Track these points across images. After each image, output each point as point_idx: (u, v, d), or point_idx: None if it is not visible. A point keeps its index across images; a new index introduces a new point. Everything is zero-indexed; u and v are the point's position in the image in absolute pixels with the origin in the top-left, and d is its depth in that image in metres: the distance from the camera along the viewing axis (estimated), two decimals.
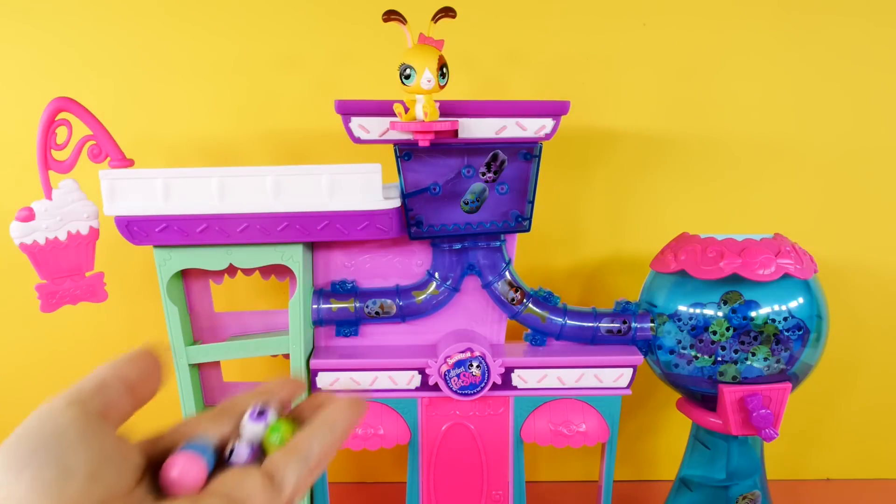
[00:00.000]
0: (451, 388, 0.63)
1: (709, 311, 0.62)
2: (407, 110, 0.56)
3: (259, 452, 0.29)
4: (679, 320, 0.63)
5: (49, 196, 0.60)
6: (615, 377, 0.65)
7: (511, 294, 0.66)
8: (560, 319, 0.66)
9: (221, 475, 0.26)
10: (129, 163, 0.61)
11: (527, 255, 0.72)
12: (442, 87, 0.56)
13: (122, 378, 0.26)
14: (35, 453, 0.22)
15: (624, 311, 0.66)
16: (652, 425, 0.90)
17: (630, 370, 0.65)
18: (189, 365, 0.64)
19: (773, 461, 0.75)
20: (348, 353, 0.65)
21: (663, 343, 0.65)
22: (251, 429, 0.29)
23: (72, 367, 0.82)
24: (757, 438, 0.67)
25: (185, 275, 0.65)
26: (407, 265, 0.67)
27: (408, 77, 0.55)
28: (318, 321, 0.65)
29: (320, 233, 0.60)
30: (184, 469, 0.26)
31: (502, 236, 0.65)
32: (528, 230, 0.64)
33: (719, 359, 0.62)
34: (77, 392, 0.25)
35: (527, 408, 0.67)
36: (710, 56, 0.77)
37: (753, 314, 0.61)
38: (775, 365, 0.62)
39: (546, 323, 0.66)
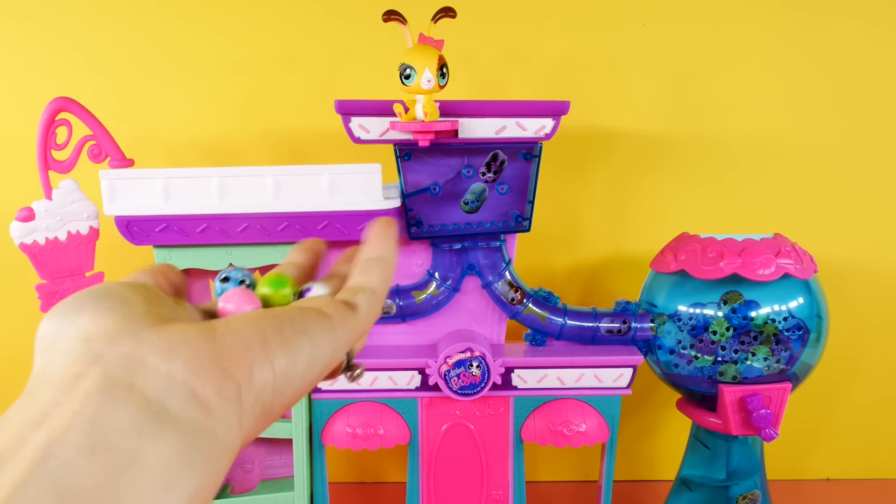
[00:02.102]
0: (451, 388, 0.63)
1: (709, 311, 0.62)
2: (407, 110, 0.57)
3: None
4: (679, 320, 0.63)
5: (49, 196, 0.60)
6: (615, 377, 0.65)
7: (511, 294, 0.66)
8: (560, 319, 0.66)
9: (293, 303, 0.26)
10: (129, 163, 0.61)
11: (527, 255, 0.72)
12: (442, 87, 0.56)
13: (150, 272, 0.26)
14: (87, 297, 0.21)
15: (624, 311, 0.66)
16: (652, 425, 0.90)
17: (630, 370, 0.65)
18: None
19: (773, 461, 0.75)
20: None
21: (663, 343, 0.65)
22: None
23: None
24: (757, 438, 0.67)
25: (185, 275, 0.65)
26: (407, 265, 0.67)
27: (408, 77, 0.55)
28: None
29: (320, 233, 0.60)
30: (239, 302, 0.25)
31: (502, 236, 0.65)
32: (528, 230, 0.64)
33: (719, 359, 0.62)
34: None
35: (527, 408, 0.67)
36: (710, 56, 0.77)
37: (753, 314, 0.61)
38: (775, 365, 0.62)
39: (546, 323, 0.66)
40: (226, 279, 0.27)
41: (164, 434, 0.18)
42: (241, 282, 0.27)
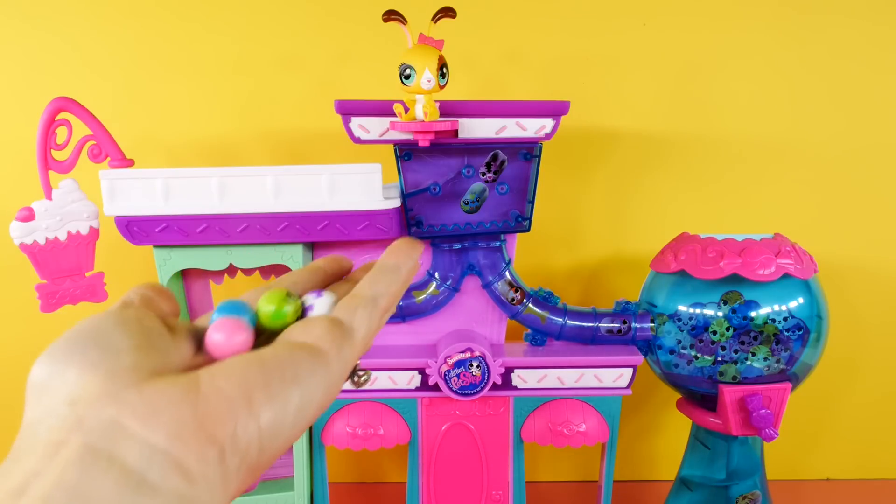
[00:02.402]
0: (451, 388, 0.63)
1: (709, 311, 0.62)
2: (407, 110, 0.56)
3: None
4: (679, 320, 0.63)
5: (49, 196, 0.60)
6: (615, 377, 0.65)
7: (511, 294, 0.66)
8: (560, 319, 0.66)
9: (288, 328, 0.25)
10: (129, 163, 0.61)
11: (527, 255, 0.72)
12: (442, 87, 0.56)
13: (139, 294, 0.26)
14: (77, 342, 0.21)
15: (624, 311, 0.66)
16: (652, 425, 0.90)
17: (630, 370, 0.65)
18: None
19: (773, 461, 0.75)
20: None
21: (663, 343, 0.65)
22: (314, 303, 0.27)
23: None
24: (757, 438, 0.67)
25: (185, 275, 0.65)
26: None
27: (408, 77, 0.55)
28: None
29: (320, 233, 0.60)
30: (229, 333, 0.24)
31: (502, 236, 0.65)
32: (528, 230, 0.64)
33: (719, 359, 0.62)
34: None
35: (527, 408, 0.67)
36: (710, 56, 0.77)
37: (753, 314, 0.61)
38: (775, 365, 0.62)
39: (546, 323, 0.66)
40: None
41: None
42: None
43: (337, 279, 0.32)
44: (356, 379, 0.29)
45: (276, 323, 0.26)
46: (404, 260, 0.29)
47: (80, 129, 0.60)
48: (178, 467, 0.19)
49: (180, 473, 0.19)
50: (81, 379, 0.20)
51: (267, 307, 0.26)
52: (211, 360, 0.24)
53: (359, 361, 0.29)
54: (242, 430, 0.21)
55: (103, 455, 0.19)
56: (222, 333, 0.24)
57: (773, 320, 0.61)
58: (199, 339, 0.25)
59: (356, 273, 0.33)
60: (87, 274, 0.63)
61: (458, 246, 0.64)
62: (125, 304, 0.25)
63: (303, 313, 0.27)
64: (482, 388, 0.64)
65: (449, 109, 0.58)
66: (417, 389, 0.65)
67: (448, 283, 0.65)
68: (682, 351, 0.64)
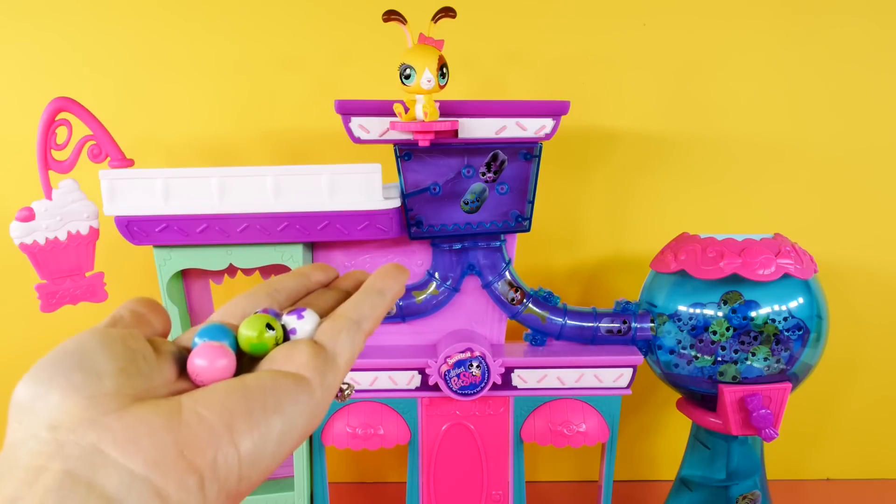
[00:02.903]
0: (451, 388, 0.63)
1: (709, 311, 0.62)
2: (407, 110, 0.57)
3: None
4: (679, 320, 0.63)
5: (49, 196, 0.60)
6: (615, 377, 0.65)
7: (511, 294, 0.66)
8: (560, 319, 0.66)
9: (271, 353, 0.25)
10: (129, 163, 0.61)
11: (527, 255, 0.72)
12: (442, 87, 0.56)
13: (129, 309, 0.26)
14: (59, 364, 0.21)
15: (624, 311, 0.66)
16: (652, 425, 0.90)
17: (630, 370, 0.65)
18: None
19: (773, 461, 0.75)
20: None
21: (663, 343, 0.65)
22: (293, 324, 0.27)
23: None
24: (757, 438, 0.67)
25: (185, 275, 0.65)
26: (407, 265, 0.67)
27: (408, 77, 0.55)
28: None
29: (320, 233, 0.60)
30: (211, 358, 0.24)
31: (502, 236, 0.65)
32: (528, 230, 0.64)
33: (719, 359, 0.62)
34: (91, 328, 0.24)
35: (527, 408, 0.67)
36: (710, 56, 0.77)
37: (753, 314, 0.61)
38: (775, 365, 0.62)
39: (546, 323, 0.66)
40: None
41: None
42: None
43: (321, 287, 0.32)
44: (339, 394, 0.29)
45: (257, 349, 0.26)
46: (391, 284, 0.29)
47: (80, 129, 0.60)
48: (158, 495, 0.19)
49: (160, 501, 0.19)
50: (64, 403, 0.20)
51: (248, 332, 0.26)
52: (193, 384, 0.24)
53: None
54: (223, 458, 0.21)
55: (82, 482, 0.19)
56: (204, 360, 0.24)
57: (773, 320, 0.61)
58: (182, 361, 0.25)
59: (340, 281, 0.33)
60: (87, 274, 0.63)
61: (458, 246, 0.64)
62: (114, 321, 0.25)
63: (285, 337, 0.27)
64: (482, 388, 0.64)
65: (449, 109, 0.58)
66: (417, 389, 0.65)
67: (448, 283, 0.65)
68: (682, 351, 0.64)
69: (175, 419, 0.21)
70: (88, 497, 0.18)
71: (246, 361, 0.25)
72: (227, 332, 0.26)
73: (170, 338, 0.27)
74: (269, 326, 0.26)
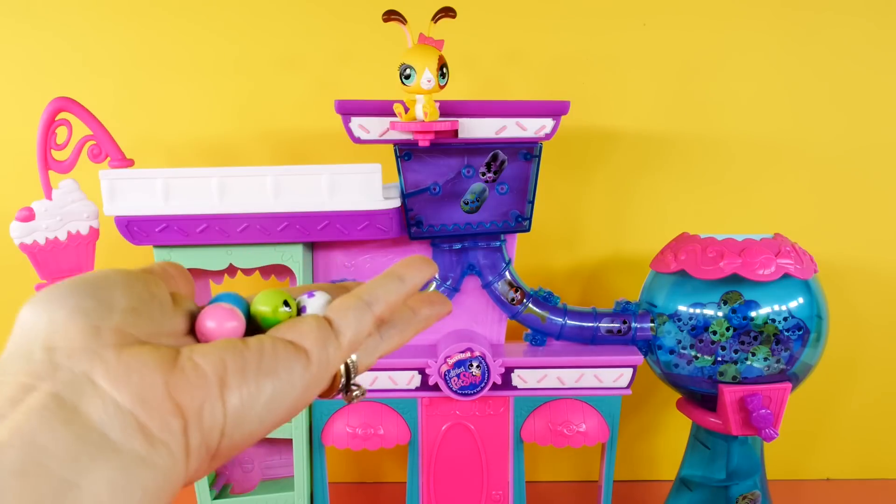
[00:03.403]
0: (451, 388, 0.63)
1: (709, 311, 0.62)
2: (407, 110, 0.57)
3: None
4: (679, 320, 0.63)
5: (49, 196, 0.60)
6: (615, 377, 0.65)
7: (511, 294, 0.66)
8: (560, 319, 0.66)
9: (279, 325, 0.25)
10: (129, 163, 0.61)
11: (527, 255, 0.72)
12: (442, 87, 0.56)
13: (161, 266, 0.26)
14: (77, 288, 0.21)
15: (624, 311, 0.66)
16: (652, 425, 0.90)
17: (630, 370, 0.65)
18: None
19: (773, 461, 0.75)
20: None
21: (663, 343, 0.65)
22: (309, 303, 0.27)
23: None
24: (757, 438, 0.67)
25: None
26: None
27: (408, 77, 0.55)
28: None
29: (320, 233, 0.60)
30: (220, 319, 0.24)
31: (502, 236, 0.65)
32: (528, 230, 0.64)
33: (719, 359, 0.62)
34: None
35: (527, 408, 0.67)
36: (710, 56, 0.77)
37: (753, 314, 0.61)
38: (775, 365, 0.62)
39: (546, 323, 0.66)
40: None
41: (101, 464, 0.18)
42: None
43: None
44: (349, 393, 0.28)
45: (270, 324, 0.26)
46: (413, 273, 0.29)
47: (80, 129, 0.60)
48: (141, 430, 0.20)
49: (142, 436, 0.19)
50: (67, 325, 0.20)
51: (262, 307, 0.26)
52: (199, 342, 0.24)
53: (354, 375, 0.28)
54: (209, 409, 0.21)
55: (68, 407, 0.19)
56: (213, 320, 0.24)
57: (773, 320, 0.61)
58: (194, 320, 0.25)
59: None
60: None
61: (458, 246, 0.64)
62: (145, 270, 0.25)
63: (299, 314, 0.27)
64: (482, 388, 0.64)
65: (449, 109, 0.58)
66: (417, 389, 0.65)
67: (448, 283, 0.65)
68: (682, 351, 0.64)
69: (170, 363, 0.21)
70: (72, 422, 0.19)
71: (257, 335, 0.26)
72: (242, 302, 0.26)
73: None
74: (286, 304, 0.26)
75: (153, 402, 0.20)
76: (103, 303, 0.21)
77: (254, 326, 0.26)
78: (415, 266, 0.29)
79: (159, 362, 0.21)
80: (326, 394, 0.28)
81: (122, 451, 0.19)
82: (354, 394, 0.29)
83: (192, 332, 0.25)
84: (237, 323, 0.25)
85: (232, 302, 0.25)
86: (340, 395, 0.29)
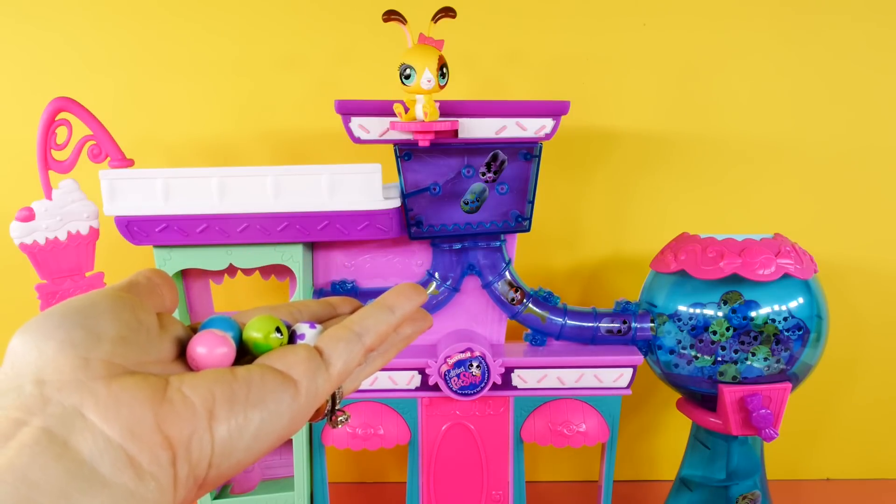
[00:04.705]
0: (451, 388, 0.63)
1: (709, 311, 0.62)
2: (407, 110, 0.57)
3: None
4: (679, 320, 0.63)
5: (49, 196, 0.60)
6: (615, 377, 0.65)
7: (511, 294, 0.66)
8: (560, 319, 0.66)
9: (270, 352, 0.26)
10: (129, 163, 0.61)
11: (527, 255, 0.72)
12: (442, 87, 0.56)
13: (146, 277, 0.26)
14: (64, 318, 0.22)
15: (624, 311, 0.66)
16: (652, 425, 0.90)
17: (630, 370, 0.65)
18: None
19: (773, 461, 0.75)
20: None
21: (663, 343, 0.65)
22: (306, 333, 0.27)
23: None
24: (757, 438, 0.67)
25: (185, 275, 0.65)
26: (407, 265, 0.67)
27: (408, 77, 0.55)
28: None
29: (320, 233, 0.60)
30: (210, 345, 0.24)
31: (502, 236, 0.65)
32: (528, 230, 0.64)
33: (719, 359, 0.62)
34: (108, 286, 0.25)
35: (527, 408, 0.67)
36: (710, 56, 0.77)
37: (753, 314, 0.61)
38: (775, 365, 0.62)
39: (546, 323, 0.66)
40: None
41: (91, 499, 0.18)
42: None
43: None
44: (334, 418, 0.29)
45: (262, 350, 0.26)
46: (402, 303, 0.29)
47: (80, 129, 0.60)
48: (130, 464, 0.20)
49: (131, 470, 0.20)
50: (57, 357, 0.21)
51: (254, 334, 0.26)
52: (189, 369, 0.24)
53: (339, 401, 0.29)
54: (197, 440, 0.21)
55: (59, 442, 0.19)
56: (204, 347, 0.24)
57: (773, 320, 0.61)
58: (184, 344, 0.25)
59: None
60: (87, 274, 0.63)
61: (458, 246, 0.64)
62: (130, 286, 0.25)
63: (291, 341, 0.27)
64: (482, 388, 0.64)
65: (449, 109, 0.58)
66: (417, 389, 0.65)
67: (448, 283, 0.65)
68: (682, 351, 0.64)
69: (159, 395, 0.21)
70: (62, 457, 0.19)
71: (248, 360, 0.26)
72: (234, 326, 0.26)
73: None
74: (278, 330, 0.26)
75: (143, 435, 0.20)
76: (91, 333, 0.21)
77: (245, 351, 0.26)
78: (404, 295, 0.29)
79: (148, 394, 0.21)
80: (311, 419, 0.28)
81: (112, 486, 0.19)
82: (339, 419, 0.29)
83: (182, 356, 0.25)
84: (227, 349, 0.25)
85: (224, 326, 0.26)
86: (326, 419, 0.29)
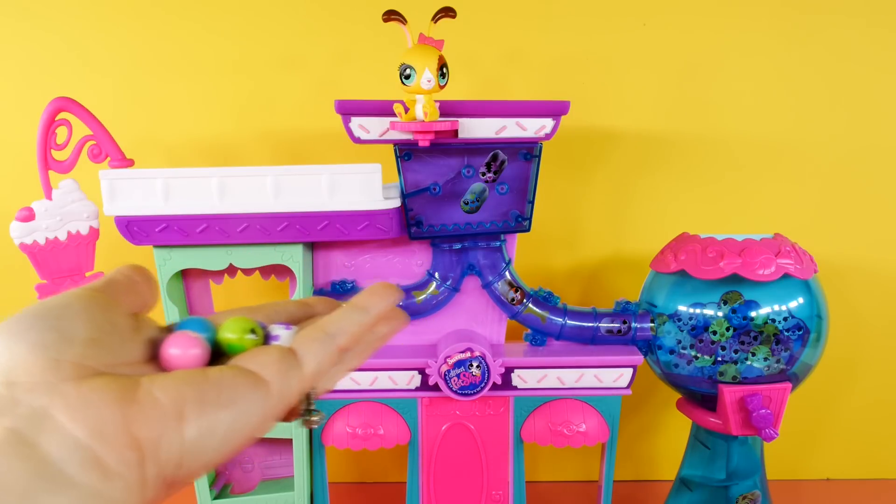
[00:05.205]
0: (451, 388, 0.63)
1: (709, 311, 0.62)
2: (407, 110, 0.57)
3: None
4: (679, 320, 0.63)
5: (49, 196, 0.60)
6: (615, 377, 0.65)
7: (511, 294, 0.66)
8: (560, 319, 0.66)
9: (243, 353, 0.26)
10: (129, 163, 0.61)
11: (527, 255, 0.72)
12: (442, 87, 0.56)
13: (125, 274, 0.26)
14: (37, 320, 0.22)
15: (624, 311, 0.66)
16: (652, 425, 0.90)
17: (630, 370, 0.65)
18: None
19: (773, 461, 0.75)
20: None
21: (663, 343, 0.65)
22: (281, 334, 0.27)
23: None
24: (757, 438, 0.67)
25: (185, 275, 0.65)
26: (407, 265, 0.67)
27: (408, 77, 0.55)
28: None
29: (320, 233, 0.60)
30: (184, 347, 0.24)
31: (502, 236, 0.65)
32: (528, 230, 0.64)
33: (719, 359, 0.62)
34: (85, 285, 0.25)
35: (527, 408, 0.67)
36: (710, 56, 0.77)
37: (753, 314, 0.61)
38: (775, 365, 0.62)
39: (546, 323, 0.66)
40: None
41: (57, 499, 0.19)
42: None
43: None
44: (307, 418, 0.28)
45: (236, 351, 0.26)
46: (376, 302, 0.29)
47: (80, 129, 0.60)
48: (97, 464, 0.20)
49: (98, 470, 0.20)
50: (27, 359, 0.21)
51: (228, 334, 0.26)
52: (162, 369, 0.25)
53: (313, 401, 0.29)
54: (167, 441, 0.21)
55: (27, 442, 0.19)
56: (177, 348, 0.24)
57: (773, 320, 0.61)
58: (158, 345, 0.25)
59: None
60: (88, 274, 0.63)
61: (458, 246, 0.64)
62: (108, 284, 0.25)
63: (266, 342, 0.27)
64: (482, 388, 0.64)
65: (449, 109, 0.58)
66: (417, 389, 0.65)
67: (448, 283, 0.65)
68: (682, 351, 0.64)
69: (129, 395, 0.21)
70: (30, 458, 0.19)
71: (223, 362, 0.26)
72: (208, 328, 0.26)
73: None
74: (253, 331, 0.26)
75: (111, 435, 0.20)
76: (63, 335, 0.22)
77: (220, 352, 0.26)
78: (378, 294, 0.29)
79: (118, 395, 0.21)
80: (284, 419, 0.28)
81: (79, 486, 0.19)
82: (314, 419, 0.29)
83: (155, 357, 0.25)
84: (200, 351, 0.25)
85: (198, 328, 0.26)
86: (300, 419, 0.29)
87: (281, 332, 0.27)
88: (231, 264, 0.62)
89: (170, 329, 0.26)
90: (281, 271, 0.66)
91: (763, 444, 0.68)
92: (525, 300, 0.66)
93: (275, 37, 0.76)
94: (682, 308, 0.63)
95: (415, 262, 0.67)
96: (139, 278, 0.27)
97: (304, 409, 0.28)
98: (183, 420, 0.22)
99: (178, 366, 0.24)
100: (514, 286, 0.66)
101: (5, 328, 0.21)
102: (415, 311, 0.66)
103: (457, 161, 0.61)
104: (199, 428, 0.22)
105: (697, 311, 0.62)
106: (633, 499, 0.86)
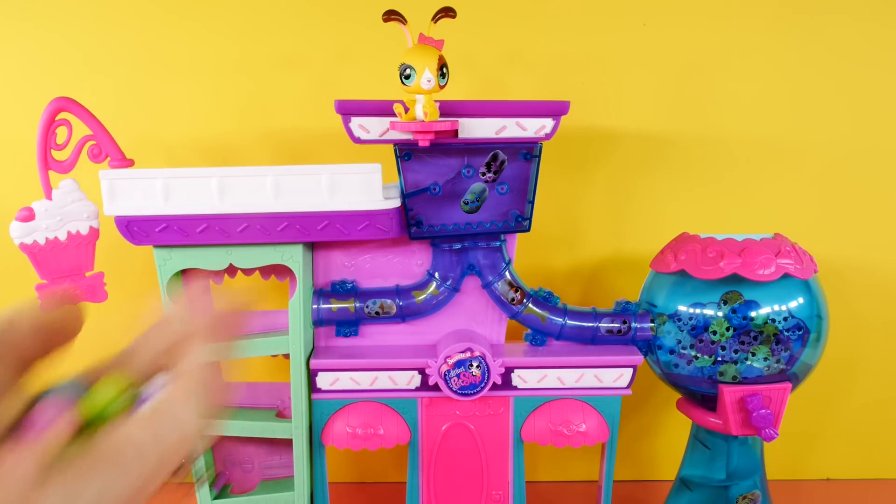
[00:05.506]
0: (451, 388, 0.63)
1: (709, 311, 0.62)
2: (407, 110, 0.57)
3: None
4: (679, 320, 0.63)
5: (49, 196, 0.60)
6: (615, 377, 0.65)
7: (511, 294, 0.66)
8: (560, 319, 0.66)
9: (115, 420, 0.24)
10: (129, 163, 0.61)
11: (527, 255, 0.72)
12: (442, 87, 0.56)
13: (33, 317, 0.25)
14: None
15: (624, 311, 0.66)
16: (652, 425, 0.90)
17: (630, 370, 0.65)
18: None
19: (773, 461, 0.75)
20: (348, 353, 0.65)
21: (663, 343, 0.65)
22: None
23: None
24: (757, 438, 0.67)
25: (185, 275, 0.65)
26: (407, 265, 0.67)
27: (408, 77, 0.55)
28: (318, 321, 0.65)
29: (320, 233, 0.60)
30: (48, 418, 0.24)
31: (502, 236, 0.65)
32: (528, 230, 0.64)
33: (719, 359, 0.62)
34: None
35: (527, 408, 0.67)
36: (710, 56, 0.77)
37: (753, 314, 0.61)
38: (775, 365, 0.62)
39: (546, 323, 0.66)
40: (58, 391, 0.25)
41: None
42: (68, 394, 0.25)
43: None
44: (178, 470, 0.27)
45: (106, 417, 0.25)
46: (224, 335, 0.28)
47: (80, 129, 0.60)
48: None
49: None
50: None
51: (98, 400, 0.25)
52: (22, 438, 0.23)
53: (195, 459, 0.27)
54: None
55: None
56: (41, 418, 0.24)
57: (773, 320, 0.61)
58: (27, 409, 0.24)
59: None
60: (88, 274, 0.63)
61: (458, 246, 0.64)
62: (10, 323, 0.25)
63: (138, 404, 0.26)
64: (482, 388, 0.64)
65: (449, 109, 0.58)
66: (417, 389, 0.65)
67: (448, 283, 0.65)
68: (682, 351, 0.64)
69: None
70: None
71: (96, 427, 0.25)
72: (79, 392, 0.25)
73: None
74: (120, 393, 0.26)
75: None
76: None
77: (91, 417, 0.25)
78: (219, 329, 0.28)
79: None
80: (170, 480, 0.26)
81: None
82: (196, 478, 0.28)
83: (18, 425, 0.24)
84: (65, 422, 0.24)
85: (67, 393, 0.25)
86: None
87: (152, 392, 0.26)
88: (231, 264, 0.62)
89: (45, 391, 0.25)
90: (281, 271, 0.66)
91: (763, 444, 0.68)
92: (525, 300, 0.66)
93: (275, 37, 0.76)
94: (682, 308, 0.63)
95: (415, 262, 0.67)
96: (44, 322, 0.25)
97: (185, 467, 0.27)
98: (42, 496, 0.21)
99: (41, 436, 0.23)
100: (514, 286, 0.66)
101: None
102: (415, 311, 0.66)
103: (457, 161, 0.61)
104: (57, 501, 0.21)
105: (697, 311, 0.62)
106: (633, 499, 0.86)
